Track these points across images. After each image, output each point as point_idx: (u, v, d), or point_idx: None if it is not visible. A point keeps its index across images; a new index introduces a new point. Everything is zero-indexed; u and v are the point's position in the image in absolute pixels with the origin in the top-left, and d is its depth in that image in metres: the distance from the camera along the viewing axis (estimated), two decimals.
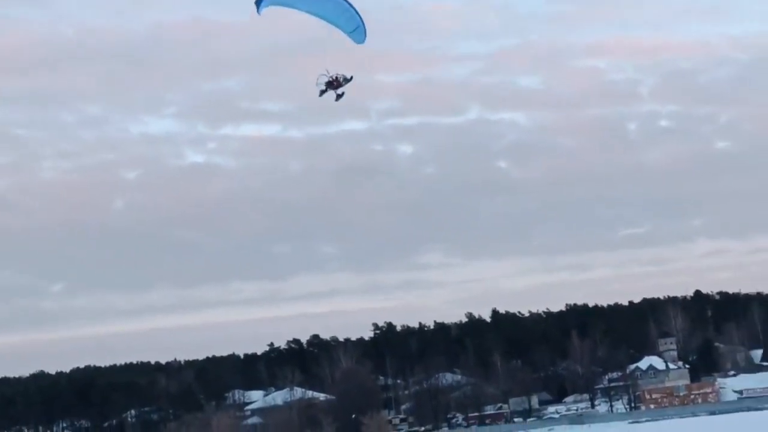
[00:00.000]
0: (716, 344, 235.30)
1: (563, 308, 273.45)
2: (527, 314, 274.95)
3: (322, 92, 46.86)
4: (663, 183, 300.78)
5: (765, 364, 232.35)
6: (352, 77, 46.44)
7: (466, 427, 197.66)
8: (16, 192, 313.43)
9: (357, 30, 44.30)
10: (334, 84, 46.38)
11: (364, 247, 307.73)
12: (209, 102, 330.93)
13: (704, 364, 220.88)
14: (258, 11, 44.73)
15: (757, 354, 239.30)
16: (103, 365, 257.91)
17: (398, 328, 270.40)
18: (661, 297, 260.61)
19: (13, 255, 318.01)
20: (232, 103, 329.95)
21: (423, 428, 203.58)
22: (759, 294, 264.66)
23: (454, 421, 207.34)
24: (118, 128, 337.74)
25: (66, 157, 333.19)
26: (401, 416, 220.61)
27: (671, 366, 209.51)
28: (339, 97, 47.14)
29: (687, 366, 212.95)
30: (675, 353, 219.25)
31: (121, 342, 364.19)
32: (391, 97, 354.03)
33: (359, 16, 44.57)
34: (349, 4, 44.63)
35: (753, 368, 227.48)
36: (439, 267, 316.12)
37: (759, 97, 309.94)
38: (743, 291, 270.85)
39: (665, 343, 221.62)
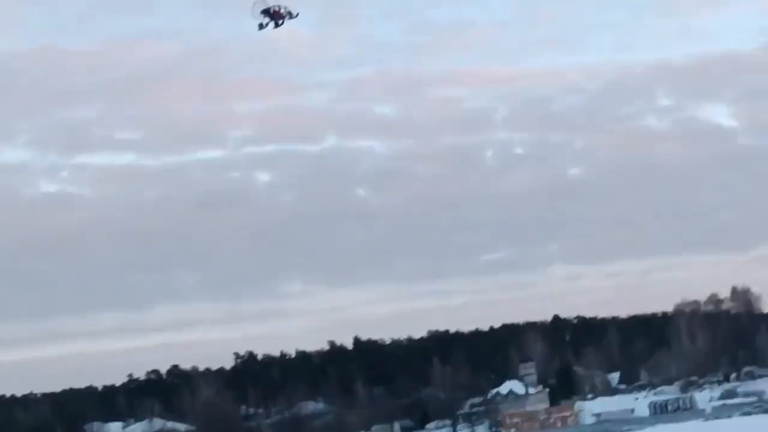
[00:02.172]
0: (575, 368, 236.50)
1: (425, 335, 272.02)
2: (389, 341, 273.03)
3: (261, 26, 42.38)
4: (521, 209, 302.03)
5: (621, 387, 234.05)
6: (298, 14, 42.79)
7: None
8: None
9: None
10: (275, 15, 42.21)
11: (223, 276, 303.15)
12: (63, 131, 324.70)
13: (563, 388, 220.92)
14: None
15: (614, 377, 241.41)
16: None
17: (259, 357, 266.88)
18: (521, 322, 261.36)
19: None
20: (86, 131, 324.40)
21: None
22: (615, 318, 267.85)
23: None
24: None
25: None
26: None
27: (531, 390, 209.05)
28: (281, 22, 43.00)
29: (547, 390, 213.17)
30: (535, 377, 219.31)
31: None
32: (247, 125, 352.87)
33: None
34: None
35: (610, 391, 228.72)
36: (300, 295, 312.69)
37: (609, 124, 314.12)
38: (600, 315, 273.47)
39: (525, 368, 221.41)
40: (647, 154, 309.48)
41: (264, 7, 40.14)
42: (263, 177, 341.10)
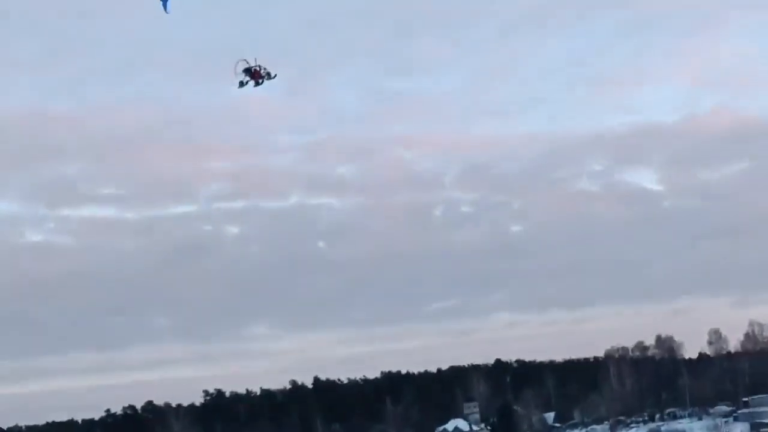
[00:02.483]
0: (514, 407, 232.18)
1: (378, 375, 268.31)
2: (346, 381, 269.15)
3: (242, 83, 40.80)
4: (467, 262, 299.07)
5: (557, 425, 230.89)
6: (276, 75, 41.32)
7: None
8: None
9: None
10: (255, 75, 40.71)
11: (194, 320, 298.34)
12: (49, 186, 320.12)
13: (504, 426, 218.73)
14: (166, 10, 38.96)
15: (550, 416, 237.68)
16: None
17: (227, 395, 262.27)
18: (466, 365, 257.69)
19: None
20: (70, 187, 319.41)
21: None
22: (551, 362, 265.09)
23: None
24: None
25: None
26: None
27: (474, 428, 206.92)
28: (261, 82, 41.42)
29: (489, 428, 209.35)
30: (478, 416, 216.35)
31: None
32: (219, 183, 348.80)
33: None
34: None
35: (546, 429, 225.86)
36: (265, 338, 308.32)
37: (545, 186, 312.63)
38: (537, 359, 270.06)
39: (469, 407, 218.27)
40: (580, 213, 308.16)
41: (246, 66, 39.27)
42: (233, 230, 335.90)
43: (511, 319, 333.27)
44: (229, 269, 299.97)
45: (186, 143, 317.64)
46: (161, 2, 38.40)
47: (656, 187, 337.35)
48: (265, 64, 39.61)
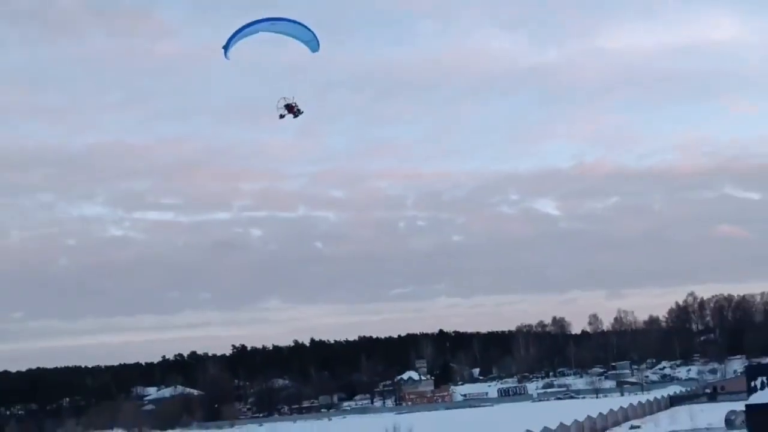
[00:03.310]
0: (451, 364, 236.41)
1: (356, 338, 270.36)
2: (333, 341, 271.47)
3: (282, 116, 37.60)
4: (421, 261, 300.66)
5: (480, 378, 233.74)
6: (303, 112, 37.88)
7: (290, 414, 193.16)
8: None
9: (311, 41, 35.87)
10: (291, 109, 37.53)
11: (227, 295, 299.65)
12: (126, 196, 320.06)
13: (443, 377, 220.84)
14: (226, 55, 34.77)
15: (476, 371, 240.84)
16: (48, 367, 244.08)
17: (248, 348, 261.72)
18: (418, 333, 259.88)
19: None
20: (141, 197, 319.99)
21: (261, 414, 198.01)
22: (478, 333, 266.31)
23: (282, 411, 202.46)
24: (63, 211, 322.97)
25: (27, 229, 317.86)
26: (248, 407, 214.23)
27: (423, 378, 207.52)
28: (297, 114, 37.85)
29: (433, 378, 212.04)
30: (426, 369, 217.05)
31: (61, 352, 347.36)
32: (247, 198, 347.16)
33: (311, 30, 35.50)
34: (301, 23, 35.32)
35: (473, 380, 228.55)
36: (276, 310, 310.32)
37: (479, 209, 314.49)
38: (468, 331, 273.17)
39: (420, 363, 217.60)
40: (502, 229, 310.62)
41: (287, 102, 36.79)
42: (257, 232, 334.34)
43: (451, 302, 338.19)
44: (253, 260, 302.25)
45: (225, 169, 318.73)
46: (223, 49, 33.99)
47: (555, 212, 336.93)
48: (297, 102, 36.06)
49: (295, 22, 34.59)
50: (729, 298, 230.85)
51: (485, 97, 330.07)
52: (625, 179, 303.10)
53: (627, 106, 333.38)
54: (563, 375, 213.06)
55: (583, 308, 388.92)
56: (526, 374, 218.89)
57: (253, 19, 33.53)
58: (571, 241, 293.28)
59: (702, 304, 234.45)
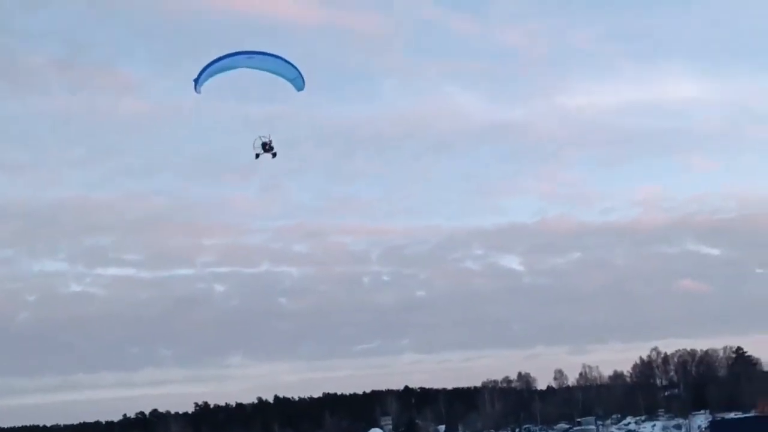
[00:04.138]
0: (417, 421, 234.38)
1: (321, 395, 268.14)
2: (297, 399, 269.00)
3: (257, 155, 36.87)
4: (385, 316, 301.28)
5: None
6: (276, 153, 36.75)
7: None
8: None
9: (296, 79, 34.50)
10: (266, 147, 36.90)
11: (189, 351, 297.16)
12: (88, 251, 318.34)
13: None
14: (196, 89, 32.73)
15: (442, 428, 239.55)
16: (4, 426, 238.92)
17: (211, 406, 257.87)
18: (383, 389, 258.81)
19: None
20: (104, 253, 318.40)
21: None
22: (444, 389, 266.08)
23: None
24: (24, 266, 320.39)
25: None
26: None
27: None
28: (274, 155, 37.02)
29: None
30: (391, 426, 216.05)
31: (20, 411, 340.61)
32: (210, 253, 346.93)
33: (296, 67, 33.86)
34: (283, 59, 33.24)
35: None
36: (239, 366, 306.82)
37: (442, 264, 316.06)
38: (434, 387, 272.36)
39: (385, 420, 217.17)
40: (466, 284, 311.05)
41: (264, 140, 36.09)
42: (219, 288, 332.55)
43: (416, 357, 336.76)
44: (216, 316, 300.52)
45: (188, 224, 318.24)
46: (194, 82, 32.49)
47: (519, 267, 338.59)
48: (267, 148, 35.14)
49: (277, 57, 32.71)
50: (692, 353, 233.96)
51: (448, 153, 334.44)
52: (588, 234, 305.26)
53: (589, 162, 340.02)
54: (529, 431, 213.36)
55: (549, 363, 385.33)
56: (492, 430, 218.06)
57: (227, 53, 31.63)
58: (536, 296, 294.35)
59: (666, 359, 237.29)
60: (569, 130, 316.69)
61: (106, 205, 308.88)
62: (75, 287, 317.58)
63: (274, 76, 33.75)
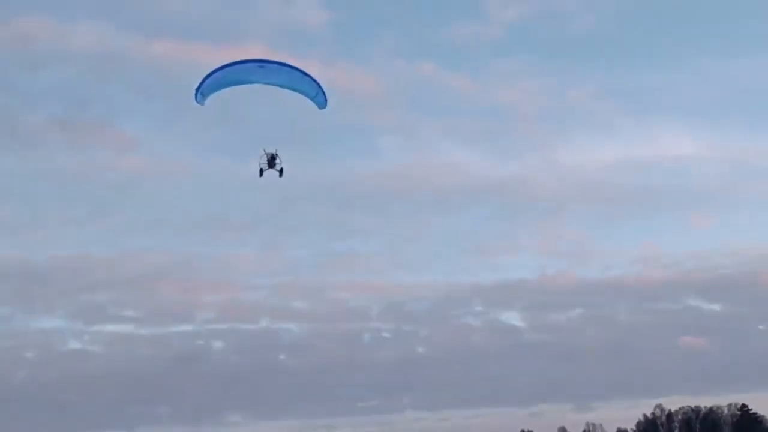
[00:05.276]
0: None
1: None
2: None
3: (262, 172, 34.18)
4: (385, 373, 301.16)
5: None
6: (282, 171, 33.61)
7: None
8: None
9: (318, 95, 30.61)
10: (274, 160, 33.97)
11: (190, 409, 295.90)
12: (87, 309, 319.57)
13: None
14: (200, 100, 29.23)
15: None
16: None
17: None
18: None
19: None
20: (102, 310, 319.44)
21: None
22: None
23: None
24: (22, 323, 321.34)
25: None
26: None
27: None
28: (281, 173, 33.83)
29: None
30: None
31: None
32: (210, 310, 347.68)
33: (317, 82, 29.52)
34: (304, 73, 28.71)
35: None
36: (239, 424, 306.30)
37: (442, 321, 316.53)
38: None
39: None
40: (466, 341, 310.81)
41: (270, 153, 32.85)
42: (219, 344, 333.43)
43: (418, 415, 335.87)
44: (215, 373, 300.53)
45: (187, 281, 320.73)
46: (194, 93, 29.36)
47: (520, 324, 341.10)
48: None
49: (293, 68, 27.52)
50: (696, 410, 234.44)
51: (447, 209, 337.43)
52: (589, 291, 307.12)
53: (588, 219, 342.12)
54: None
55: (552, 421, 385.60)
56: None
57: (236, 61, 27.46)
58: (537, 352, 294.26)
59: (670, 416, 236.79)
60: (567, 187, 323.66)
61: (105, 262, 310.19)
62: (73, 344, 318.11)
63: (293, 92, 29.16)
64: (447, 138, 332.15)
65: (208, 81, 27.84)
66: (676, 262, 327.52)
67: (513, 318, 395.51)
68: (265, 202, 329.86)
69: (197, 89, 29.03)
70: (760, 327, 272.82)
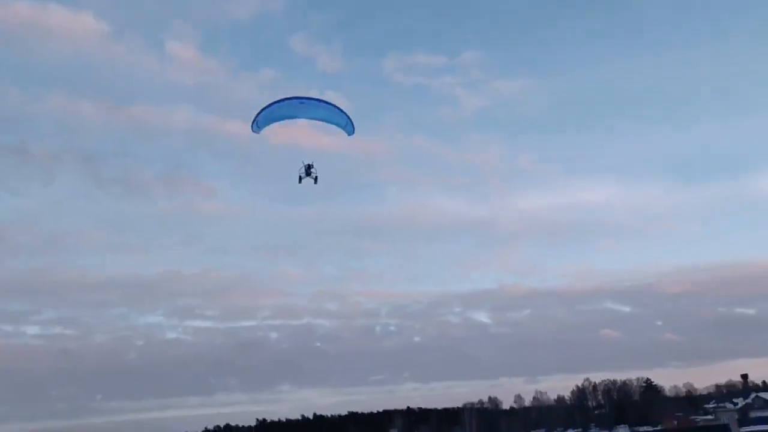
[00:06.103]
0: None
1: (346, 413, 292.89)
2: (329, 416, 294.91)
3: (301, 179, 33.31)
4: (391, 355, 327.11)
5: None
6: (317, 178, 32.85)
7: None
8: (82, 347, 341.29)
9: (347, 124, 30.73)
10: (311, 170, 32.97)
11: (252, 379, 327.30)
12: (180, 309, 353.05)
13: None
14: (256, 130, 28.18)
15: None
16: None
17: (268, 422, 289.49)
18: (391, 409, 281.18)
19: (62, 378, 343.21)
20: (191, 310, 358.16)
21: None
22: (434, 409, 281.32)
23: None
24: (134, 320, 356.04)
25: (108, 333, 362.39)
26: None
27: None
28: (316, 180, 32.99)
29: None
30: None
31: (126, 427, 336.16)
32: (267, 310, 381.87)
33: (346, 114, 29.79)
34: (336, 107, 29.52)
35: None
36: (288, 391, 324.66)
37: (433, 318, 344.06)
38: (428, 407, 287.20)
39: (393, 430, 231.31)
40: (449, 333, 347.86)
41: (308, 163, 31.93)
42: (273, 335, 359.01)
43: (414, 385, 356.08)
44: (270, 355, 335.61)
45: (251, 290, 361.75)
46: (253, 123, 28.03)
47: (486, 320, 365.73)
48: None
49: (328, 103, 32.43)
50: (614, 382, 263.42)
51: (435, 239, 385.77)
52: (535, 297, 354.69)
53: (534, 246, 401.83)
54: None
55: (510, 390, 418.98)
56: None
57: (283, 98, 30.22)
58: (500, 341, 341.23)
59: (595, 387, 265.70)
60: (520, 224, 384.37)
61: (192, 276, 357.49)
62: (170, 335, 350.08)
63: (328, 125, 31.42)
64: (435, 189, 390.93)
65: (261, 115, 31.72)
66: (596, 276, 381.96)
67: (482, 316, 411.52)
68: (305, 234, 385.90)
69: (253, 121, 31.49)
70: (658, 323, 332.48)
